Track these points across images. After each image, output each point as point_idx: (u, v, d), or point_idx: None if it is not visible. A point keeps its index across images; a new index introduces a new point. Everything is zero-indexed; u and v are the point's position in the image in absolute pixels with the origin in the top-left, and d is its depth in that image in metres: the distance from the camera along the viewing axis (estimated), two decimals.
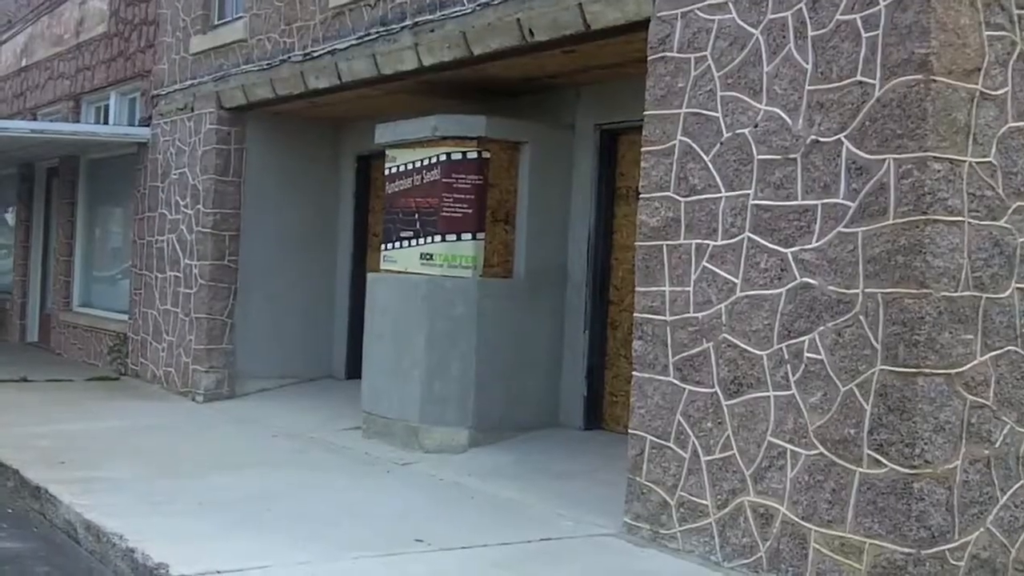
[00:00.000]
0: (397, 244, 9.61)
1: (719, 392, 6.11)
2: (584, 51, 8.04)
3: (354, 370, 11.56)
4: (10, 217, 20.14)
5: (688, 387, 6.30)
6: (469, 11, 8.40)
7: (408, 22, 9.08)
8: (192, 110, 12.52)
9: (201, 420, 10.85)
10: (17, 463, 8.14)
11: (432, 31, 8.80)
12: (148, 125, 13.71)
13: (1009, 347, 5.46)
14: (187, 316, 12.36)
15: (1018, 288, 5.49)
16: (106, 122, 15.60)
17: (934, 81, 5.18)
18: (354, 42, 9.76)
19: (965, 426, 5.29)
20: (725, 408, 6.06)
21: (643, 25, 6.81)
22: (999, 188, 5.41)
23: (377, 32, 9.45)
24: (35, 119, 17.66)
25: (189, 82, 12.66)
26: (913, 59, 5.23)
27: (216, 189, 12.04)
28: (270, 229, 12.34)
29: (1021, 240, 5.50)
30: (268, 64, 11.10)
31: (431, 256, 9.23)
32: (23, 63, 18.81)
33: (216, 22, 12.49)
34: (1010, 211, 5.45)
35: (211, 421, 10.82)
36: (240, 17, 11.83)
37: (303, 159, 12.57)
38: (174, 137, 12.95)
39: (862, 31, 5.47)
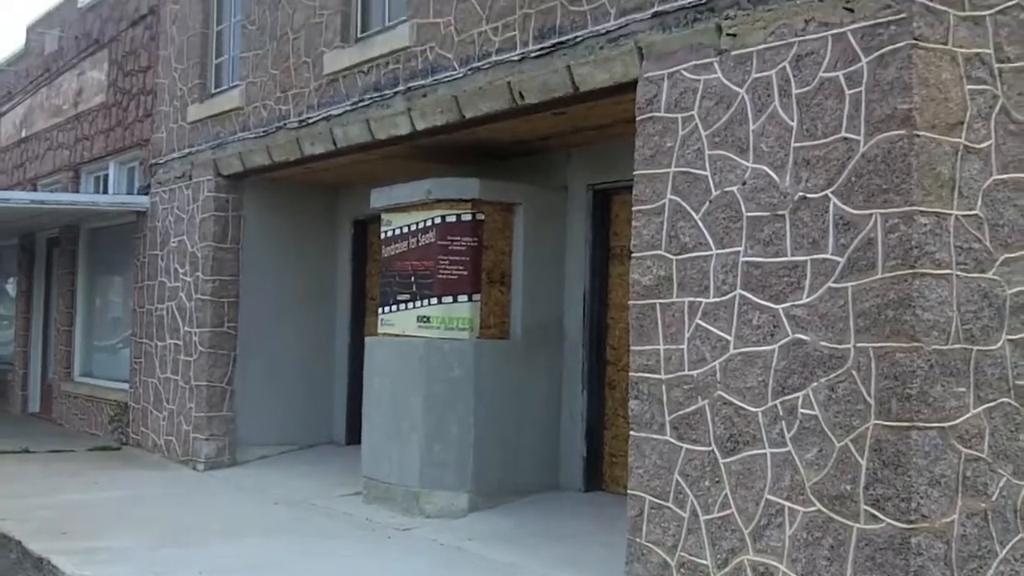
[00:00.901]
0: (394, 307, 9.64)
1: (716, 450, 6.10)
2: (574, 113, 8.13)
3: (354, 435, 11.52)
4: (11, 288, 20.21)
5: (685, 446, 6.29)
6: (460, 75, 8.50)
7: (401, 87, 9.18)
8: (190, 178, 12.61)
9: (202, 488, 10.82)
10: (19, 534, 8.13)
11: (424, 96, 8.90)
12: (147, 193, 13.81)
13: (1002, 399, 5.47)
14: (187, 384, 12.36)
15: (1009, 340, 5.51)
16: (105, 191, 15.72)
17: (917, 136, 5.24)
18: (348, 108, 9.86)
19: (961, 479, 5.28)
20: (722, 466, 6.05)
21: (631, 86, 6.89)
22: (986, 240, 5.45)
23: (371, 98, 9.55)
24: (35, 189, 17.82)
25: (187, 150, 12.78)
26: (896, 114, 5.29)
27: (214, 256, 12.09)
28: (269, 295, 12.38)
29: (1010, 292, 5.52)
30: (264, 131, 11.20)
31: (428, 318, 9.25)
32: (23, 134, 18.99)
33: (213, 90, 12.63)
34: (998, 263, 5.48)
35: (212, 489, 10.79)
36: (236, 85, 11.97)
37: (300, 224, 12.65)
38: (172, 205, 13.04)
39: (845, 88, 5.54)
